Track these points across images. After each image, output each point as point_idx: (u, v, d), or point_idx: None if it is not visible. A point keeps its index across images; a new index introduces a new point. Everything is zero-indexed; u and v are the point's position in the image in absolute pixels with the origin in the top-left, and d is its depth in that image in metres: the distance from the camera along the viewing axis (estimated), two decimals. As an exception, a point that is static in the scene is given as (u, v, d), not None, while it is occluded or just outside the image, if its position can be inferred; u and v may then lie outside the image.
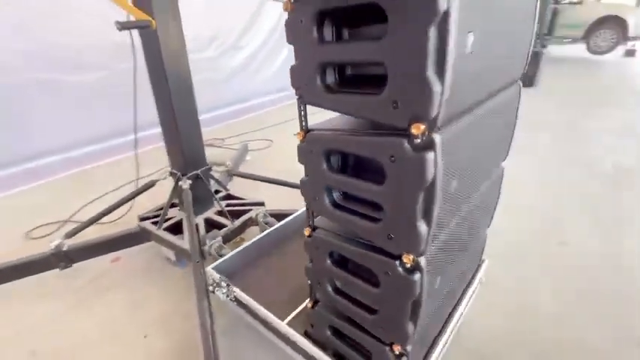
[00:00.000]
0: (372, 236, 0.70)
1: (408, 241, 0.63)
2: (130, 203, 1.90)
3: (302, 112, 0.72)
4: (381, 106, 0.57)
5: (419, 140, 0.55)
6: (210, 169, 1.71)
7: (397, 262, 0.67)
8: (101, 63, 2.63)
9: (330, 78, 0.64)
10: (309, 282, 0.93)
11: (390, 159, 0.59)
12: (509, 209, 2.16)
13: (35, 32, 2.32)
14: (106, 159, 2.80)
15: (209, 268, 1.27)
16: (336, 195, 0.75)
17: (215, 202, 1.74)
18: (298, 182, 0.79)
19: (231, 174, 2.10)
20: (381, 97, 0.56)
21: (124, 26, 1.11)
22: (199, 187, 1.67)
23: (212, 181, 1.81)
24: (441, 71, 0.50)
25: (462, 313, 1.11)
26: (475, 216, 0.94)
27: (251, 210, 1.74)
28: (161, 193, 1.80)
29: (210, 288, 1.28)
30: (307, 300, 1.00)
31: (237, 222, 1.65)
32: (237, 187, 2.18)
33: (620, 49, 7.58)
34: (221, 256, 1.41)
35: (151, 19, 1.17)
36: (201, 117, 3.77)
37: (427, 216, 0.61)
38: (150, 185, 1.76)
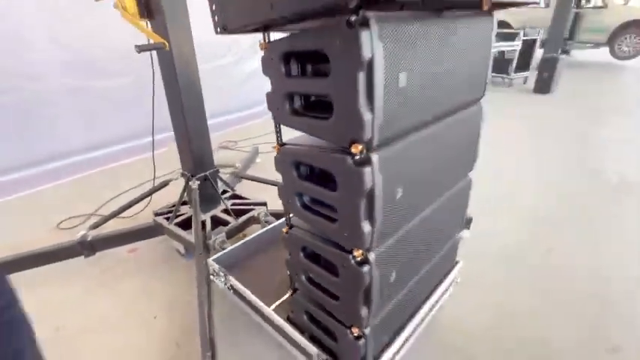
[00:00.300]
0: (332, 234, 0.84)
1: (356, 239, 0.77)
2: (147, 200, 2.11)
3: (277, 129, 0.87)
4: (329, 128, 0.71)
5: (358, 157, 0.69)
6: (217, 171, 1.89)
7: (350, 256, 0.81)
8: (125, 70, 2.87)
9: (296, 104, 0.79)
10: (288, 273, 1.08)
11: (339, 171, 0.73)
12: (504, 212, 2.25)
13: (69, 43, 2.59)
14: (127, 159, 3.05)
15: (210, 260, 1.44)
16: (305, 199, 0.89)
17: (221, 201, 1.91)
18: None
19: (237, 176, 2.27)
20: (330, 121, 0.70)
21: (141, 49, 1.30)
22: (207, 187, 1.85)
23: (220, 182, 1.99)
24: (370, 104, 0.64)
25: (430, 309, 1.23)
26: (438, 221, 1.06)
27: (254, 209, 1.91)
28: (174, 192, 1.99)
29: (212, 277, 1.45)
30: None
31: (240, 220, 1.82)
32: (246, 187, 2.36)
33: (646, 55, 7.34)
34: (223, 249, 1.58)
35: (165, 41, 1.35)
36: (217, 120, 3.98)
37: (370, 218, 0.75)
38: (164, 184, 1.95)
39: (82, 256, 1.79)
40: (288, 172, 0.87)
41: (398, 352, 1.10)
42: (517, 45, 5.41)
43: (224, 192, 2.06)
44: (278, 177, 0.93)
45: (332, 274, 0.89)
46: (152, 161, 2.02)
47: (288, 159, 0.85)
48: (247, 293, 1.26)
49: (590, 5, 7.63)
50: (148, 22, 1.48)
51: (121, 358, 1.35)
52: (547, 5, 7.58)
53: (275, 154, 0.89)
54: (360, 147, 0.68)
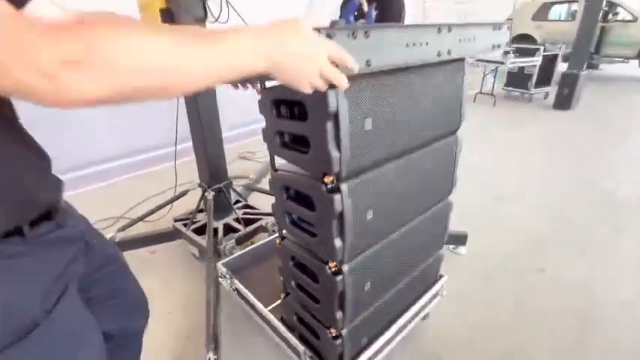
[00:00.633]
0: (313, 247, 0.99)
1: (330, 252, 0.92)
2: (168, 206, 2.33)
3: (272, 157, 1.04)
4: (308, 161, 0.87)
5: (329, 186, 0.84)
6: (230, 183, 2.09)
7: (327, 266, 0.96)
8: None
9: (284, 138, 0.95)
10: (281, 278, 1.24)
11: (315, 196, 0.89)
12: (501, 229, 2.33)
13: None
14: (154, 167, 3.32)
15: (219, 264, 1.63)
16: (293, 216, 1.05)
17: (233, 210, 2.10)
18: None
19: (249, 188, 2.47)
20: (308, 156, 0.86)
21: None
22: (221, 197, 2.05)
23: (234, 193, 2.19)
24: (338, 145, 0.80)
25: (411, 318, 1.35)
26: (415, 239, 1.19)
27: (262, 219, 2.08)
28: (192, 200, 2.20)
29: (220, 279, 1.63)
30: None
31: (249, 228, 2.01)
32: (259, 197, 2.53)
33: (679, 70, 7.08)
34: (232, 254, 1.76)
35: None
36: (237, 131, 4.20)
37: (341, 235, 0.90)
38: (183, 194, 2.17)
39: (110, 255, 2.02)
40: (279, 193, 1.04)
41: (377, 354, 1.23)
42: (536, 60, 5.39)
43: (237, 202, 2.26)
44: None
45: (314, 281, 1.04)
46: (174, 170, 2.24)
47: (279, 182, 1.02)
48: (248, 295, 1.43)
49: (619, 19, 7.45)
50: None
51: (138, 346, 1.54)
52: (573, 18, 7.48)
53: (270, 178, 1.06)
54: (330, 178, 0.83)
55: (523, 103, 5.82)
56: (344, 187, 0.85)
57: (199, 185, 2.05)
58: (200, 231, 2.01)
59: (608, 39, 7.41)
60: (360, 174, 0.89)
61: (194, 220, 2.05)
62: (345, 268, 0.95)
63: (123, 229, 2.09)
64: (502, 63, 5.33)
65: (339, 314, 1.01)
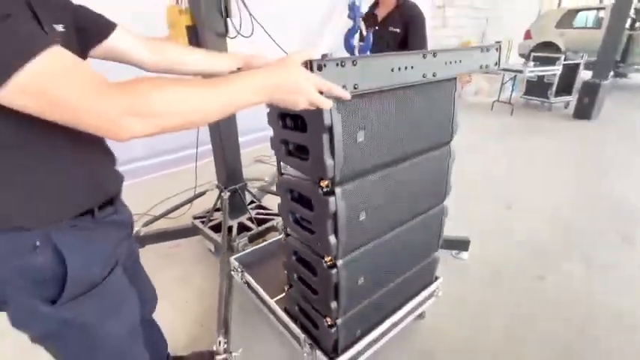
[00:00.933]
0: (311, 243, 1.12)
1: (326, 248, 1.04)
2: (188, 205, 2.51)
3: (279, 163, 1.18)
4: (307, 167, 1.00)
5: (325, 189, 0.97)
6: (245, 185, 2.24)
7: (323, 261, 1.08)
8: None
9: (289, 147, 1.09)
10: (285, 272, 1.37)
11: (313, 198, 1.01)
12: (506, 235, 2.38)
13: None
14: (175, 168, 3.53)
15: (232, 258, 1.77)
16: (296, 215, 1.18)
17: (247, 210, 2.26)
18: (278, 205, 1.24)
19: (263, 190, 2.62)
20: (307, 162, 0.99)
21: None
22: (236, 198, 2.21)
23: (249, 194, 2.35)
24: (332, 153, 0.92)
25: (406, 315, 1.45)
26: (408, 241, 1.30)
27: (274, 219, 2.23)
28: (210, 200, 2.36)
29: (232, 273, 1.78)
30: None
31: (261, 227, 2.15)
32: (273, 198, 2.68)
33: None
34: (244, 251, 1.90)
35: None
36: (255, 135, 4.37)
37: (335, 233, 1.02)
38: (202, 193, 2.34)
39: (135, 248, 2.21)
40: (284, 195, 1.17)
41: (370, 346, 1.33)
42: (556, 69, 5.34)
43: (252, 202, 2.41)
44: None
45: (313, 275, 1.17)
46: (195, 171, 2.42)
47: (284, 185, 1.15)
48: (257, 287, 1.57)
49: (648, 26, 7.24)
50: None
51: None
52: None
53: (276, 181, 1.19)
54: (326, 182, 0.96)
55: (542, 112, 5.76)
56: (338, 190, 0.97)
57: (217, 186, 2.22)
58: (216, 228, 2.17)
59: (635, 48, 7.21)
60: (354, 179, 1.01)
61: (211, 218, 2.22)
62: (340, 262, 1.07)
63: (147, 224, 2.28)
64: (520, 71, 5.31)
65: (333, 304, 1.13)
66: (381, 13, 2.09)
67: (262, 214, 2.30)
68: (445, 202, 1.41)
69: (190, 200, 2.37)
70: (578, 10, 8.30)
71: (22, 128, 0.57)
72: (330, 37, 3.85)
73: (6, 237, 0.63)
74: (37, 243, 0.64)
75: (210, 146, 2.16)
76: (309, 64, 0.72)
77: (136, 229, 2.20)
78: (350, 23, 1.39)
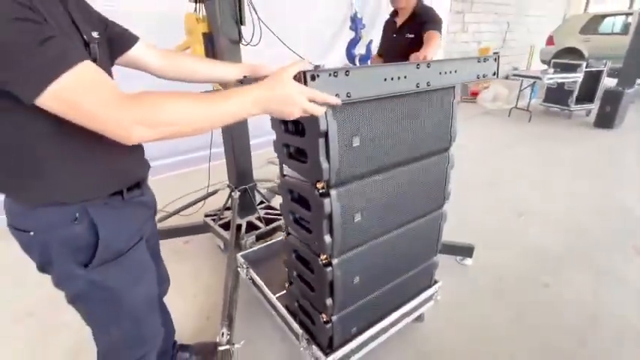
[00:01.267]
0: (309, 241, 1.18)
1: (321, 247, 1.10)
2: (201, 203, 2.61)
3: (281, 165, 1.24)
4: (305, 169, 1.06)
5: (321, 191, 1.03)
6: (255, 185, 2.33)
7: (319, 259, 1.14)
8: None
9: (290, 150, 1.15)
10: (286, 269, 1.43)
11: (310, 199, 1.07)
12: (513, 242, 2.37)
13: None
14: (190, 167, 3.66)
15: (238, 255, 1.85)
16: (295, 215, 1.25)
17: (257, 210, 2.34)
18: (280, 204, 1.31)
19: (272, 191, 2.70)
20: (306, 165, 1.05)
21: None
22: (246, 197, 2.29)
23: (259, 194, 2.43)
24: (327, 158, 0.98)
25: (403, 316, 1.48)
26: (405, 244, 1.34)
27: (281, 219, 2.29)
28: (222, 199, 2.46)
29: (238, 269, 1.85)
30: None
31: (269, 227, 2.22)
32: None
33: None
34: (251, 248, 1.98)
35: (221, 89, 1.82)
36: (268, 137, 4.47)
37: (331, 233, 1.07)
38: (213, 193, 2.44)
39: (150, 242, 2.32)
40: (285, 195, 1.23)
41: (366, 344, 1.38)
42: (577, 76, 5.22)
43: (261, 202, 2.49)
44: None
45: (310, 272, 1.23)
46: (208, 171, 2.52)
47: (285, 186, 1.22)
48: (260, 283, 1.64)
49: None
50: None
51: (167, 320, 1.79)
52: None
53: (278, 181, 1.26)
54: (322, 184, 1.02)
55: (562, 119, 5.64)
56: (333, 192, 1.03)
57: (228, 186, 2.31)
58: (226, 226, 2.26)
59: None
60: (349, 182, 1.07)
61: (221, 217, 2.31)
62: (335, 261, 1.13)
63: (161, 220, 2.39)
64: (539, 78, 5.22)
65: (329, 301, 1.18)
66: (400, 20, 2.13)
67: (271, 214, 2.38)
68: (444, 208, 1.44)
69: (202, 199, 2.48)
70: (604, 16, 8.07)
71: (66, 123, 0.67)
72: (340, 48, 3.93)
73: (53, 210, 0.77)
74: (77, 215, 0.78)
75: (222, 148, 2.26)
76: (302, 76, 0.78)
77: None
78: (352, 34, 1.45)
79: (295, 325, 1.40)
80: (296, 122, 1.09)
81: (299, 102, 0.77)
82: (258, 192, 2.43)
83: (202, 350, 1.53)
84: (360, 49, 1.50)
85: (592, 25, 8.01)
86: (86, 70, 0.64)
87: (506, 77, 5.88)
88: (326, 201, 1.02)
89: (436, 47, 1.73)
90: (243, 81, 1.11)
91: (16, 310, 1.86)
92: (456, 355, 1.58)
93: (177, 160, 3.64)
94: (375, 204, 1.15)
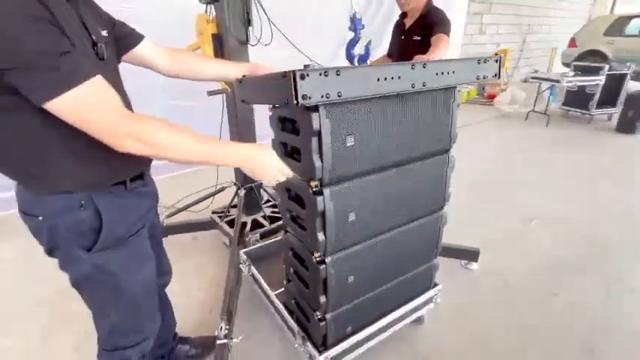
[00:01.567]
0: (304, 239, 1.19)
1: (315, 244, 1.11)
2: (210, 200, 2.66)
3: (279, 163, 1.26)
4: (300, 168, 1.07)
5: (314, 189, 1.04)
6: (261, 184, 2.36)
7: (313, 256, 1.15)
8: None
9: (287, 148, 1.17)
10: (284, 267, 1.45)
11: (304, 197, 1.09)
12: (521, 248, 2.32)
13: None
14: (201, 166, 3.73)
15: (241, 252, 1.88)
16: (292, 213, 1.26)
17: (262, 208, 2.37)
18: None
19: (280, 189, 2.72)
20: (301, 164, 1.07)
21: (211, 93, 1.82)
22: (252, 196, 2.32)
23: (266, 194, 2.46)
24: (321, 156, 0.99)
25: (400, 318, 1.48)
26: (402, 246, 1.33)
27: (286, 218, 2.32)
28: (231, 197, 2.50)
29: (240, 265, 1.88)
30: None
31: (274, 225, 2.25)
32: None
33: None
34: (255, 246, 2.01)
35: (228, 88, 1.85)
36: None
37: (324, 230, 1.08)
38: (220, 190, 2.49)
39: (158, 237, 2.38)
40: (283, 193, 1.25)
41: (362, 344, 1.38)
42: (598, 80, 5.05)
43: (268, 201, 2.52)
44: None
45: (306, 269, 1.24)
46: (216, 170, 2.57)
47: (282, 185, 1.23)
48: (260, 280, 1.66)
49: None
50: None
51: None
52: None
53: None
54: (315, 183, 1.03)
55: (582, 124, 5.47)
56: (326, 191, 1.04)
57: (234, 184, 2.35)
58: (232, 223, 2.29)
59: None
60: (343, 181, 1.07)
61: (228, 214, 2.35)
62: (328, 259, 1.14)
63: (170, 215, 2.46)
64: (557, 81, 5.08)
65: (322, 299, 1.19)
66: (408, 22, 2.12)
67: (276, 212, 2.40)
68: (444, 210, 1.42)
69: (209, 196, 2.53)
70: (631, 17, 7.77)
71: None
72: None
73: (61, 197, 0.83)
74: (82, 202, 0.84)
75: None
76: (291, 75, 0.80)
77: (160, 219, 2.37)
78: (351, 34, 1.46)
79: (292, 322, 1.42)
80: (293, 121, 1.11)
81: (270, 174, 0.96)
82: (265, 191, 2.46)
83: (202, 343, 1.56)
84: (359, 50, 1.50)
85: (617, 26, 7.73)
86: (94, 86, 0.72)
87: (525, 80, 5.74)
88: (319, 199, 1.03)
89: (443, 50, 1.72)
90: (242, 80, 1.14)
91: (29, 300, 1.94)
92: (454, 358, 1.56)
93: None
94: (370, 204, 1.16)
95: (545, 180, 3.45)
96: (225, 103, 2.18)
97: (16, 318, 1.84)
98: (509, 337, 1.66)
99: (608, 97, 5.36)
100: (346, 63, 1.67)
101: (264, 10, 1.86)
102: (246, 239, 2.12)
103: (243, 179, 2.27)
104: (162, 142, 0.78)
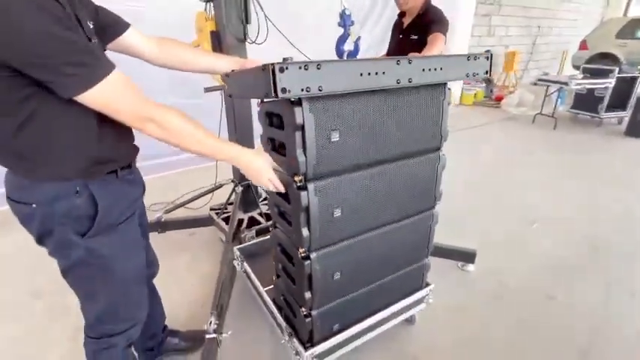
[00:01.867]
0: (289, 234, 1.19)
1: (299, 240, 1.11)
2: (209, 196, 2.67)
3: (268, 158, 1.26)
4: (285, 162, 1.08)
5: (298, 184, 1.04)
6: (258, 181, 2.36)
7: (298, 252, 1.15)
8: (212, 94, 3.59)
9: (275, 144, 1.17)
10: (273, 262, 1.45)
11: (289, 191, 1.09)
12: (520, 250, 2.29)
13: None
14: (202, 164, 3.76)
15: (235, 248, 1.89)
16: (280, 208, 1.26)
17: (259, 206, 2.37)
18: (267, 198, 1.33)
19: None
20: (286, 158, 1.07)
21: (207, 90, 1.83)
22: (249, 193, 2.33)
23: (264, 191, 2.47)
24: (304, 151, 0.99)
25: (389, 317, 1.47)
26: (391, 244, 1.32)
27: (283, 216, 2.32)
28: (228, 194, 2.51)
29: (234, 262, 1.89)
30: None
31: (270, 222, 2.25)
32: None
33: None
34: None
35: (225, 84, 1.86)
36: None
37: (308, 226, 1.08)
38: (218, 187, 2.50)
39: (157, 232, 2.40)
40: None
41: (349, 342, 1.37)
42: (608, 82, 4.96)
43: (265, 199, 2.53)
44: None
45: (292, 265, 1.24)
46: (216, 167, 2.59)
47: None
48: (252, 276, 1.67)
49: None
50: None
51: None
52: None
53: (266, 174, 1.28)
54: (299, 177, 1.03)
55: (591, 127, 5.37)
56: (310, 186, 1.04)
57: (232, 181, 2.36)
58: (229, 220, 2.30)
59: None
60: (328, 177, 1.07)
61: (225, 211, 2.36)
62: (313, 255, 1.13)
63: (168, 211, 2.48)
64: (565, 84, 5.00)
65: (307, 294, 1.19)
66: (406, 21, 2.12)
67: (273, 210, 2.41)
68: (435, 209, 1.41)
69: (206, 193, 2.54)
70: (645, 20, 7.63)
71: (76, 116, 0.82)
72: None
73: (57, 184, 0.86)
74: (78, 189, 0.87)
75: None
76: (270, 68, 0.80)
77: (158, 214, 2.40)
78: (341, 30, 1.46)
79: (279, 318, 1.42)
80: (279, 116, 1.11)
81: (263, 178, 1.08)
82: (262, 188, 2.46)
83: (192, 337, 1.57)
84: (349, 46, 1.50)
85: (630, 29, 7.59)
86: (118, 78, 0.80)
87: (535, 84, 5.66)
88: (303, 194, 1.03)
89: (439, 49, 1.71)
90: (229, 74, 1.14)
91: (26, 292, 1.98)
92: (443, 359, 1.55)
93: (189, 156, 3.74)
94: (356, 201, 1.15)
95: (550, 183, 3.39)
96: (223, 100, 2.20)
97: (13, 309, 1.87)
98: (504, 338, 1.64)
99: (619, 101, 5.26)
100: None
101: (261, 7, 1.86)
102: (242, 236, 2.12)
103: (240, 176, 2.28)
104: (178, 129, 0.89)
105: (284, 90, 0.83)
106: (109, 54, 1.03)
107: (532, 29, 8.71)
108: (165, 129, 0.87)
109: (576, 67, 7.92)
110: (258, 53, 2.01)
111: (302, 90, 0.85)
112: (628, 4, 11.19)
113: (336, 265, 1.21)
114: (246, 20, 1.91)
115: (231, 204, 2.39)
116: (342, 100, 1.01)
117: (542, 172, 3.64)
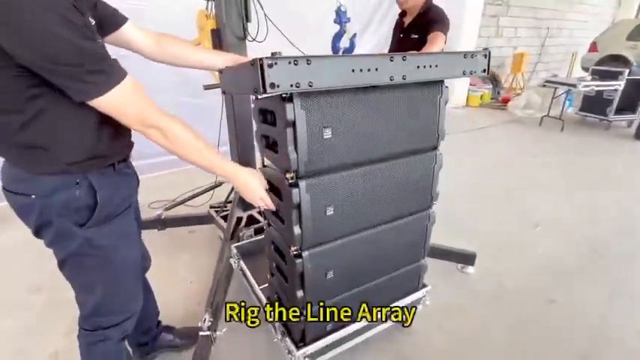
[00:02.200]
0: (282, 232, 1.18)
1: (291, 238, 1.10)
2: (210, 194, 2.68)
3: (262, 155, 1.26)
4: (277, 159, 1.07)
5: (290, 181, 1.03)
6: (258, 179, 2.36)
7: (290, 250, 1.14)
8: (214, 92, 3.60)
9: (268, 141, 1.16)
10: (267, 261, 1.44)
11: (281, 188, 1.08)
12: (521, 253, 2.25)
13: (179, 70, 3.41)
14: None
15: (232, 246, 1.88)
16: (274, 206, 1.25)
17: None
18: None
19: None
20: (278, 155, 1.06)
21: (207, 87, 1.83)
22: (249, 191, 2.33)
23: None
24: (296, 148, 0.98)
25: (384, 319, 1.45)
26: (386, 244, 1.31)
27: (282, 215, 2.32)
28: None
29: (231, 260, 1.89)
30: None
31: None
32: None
33: None
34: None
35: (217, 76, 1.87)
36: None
37: (300, 224, 1.07)
38: (217, 185, 2.51)
39: (157, 229, 2.41)
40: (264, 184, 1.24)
41: (342, 342, 1.36)
42: (617, 85, 4.88)
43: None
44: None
45: (284, 263, 1.23)
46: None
47: (264, 176, 1.23)
48: (248, 274, 1.66)
49: None
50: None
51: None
52: None
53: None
54: (291, 174, 1.02)
55: (599, 130, 5.28)
56: (302, 183, 1.03)
57: (232, 179, 2.36)
58: (227, 218, 2.31)
59: None
60: (321, 174, 1.06)
61: (224, 209, 2.37)
62: (305, 253, 1.12)
63: (169, 208, 2.49)
64: (573, 86, 4.93)
65: (299, 293, 1.18)
66: (407, 20, 2.10)
67: (272, 209, 2.40)
68: (432, 210, 1.39)
69: (205, 191, 2.56)
70: (657, 21, 7.49)
71: (80, 115, 0.84)
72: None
73: (59, 177, 0.88)
74: (78, 181, 0.89)
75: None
76: (258, 62, 0.79)
77: (159, 212, 2.41)
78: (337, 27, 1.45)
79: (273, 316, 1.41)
80: (272, 113, 1.10)
81: (255, 197, 1.11)
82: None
83: (186, 334, 1.57)
84: (344, 43, 1.49)
85: (641, 30, 7.46)
86: (129, 85, 0.83)
87: (543, 85, 5.59)
88: (294, 191, 1.02)
89: (438, 48, 1.69)
90: (222, 71, 1.14)
91: (26, 286, 2.00)
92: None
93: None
94: (350, 199, 1.14)
95: (555, 186, 3.34)
96: (223, 99, 2.20)
97: (12, 303, 1.89)
98: (502, 340, 1.62)
99: (628, 103, 5.17)
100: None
101: (261, 6, 1.86)
102: (240, 234, 2.12)
103: (240, 174, 2.28)
104: (180, 137, 0.92)
105: (273, 85, 0.82)
106: (112, 51, 1.04)
107: (541, 30, 8.61)
108: (167, 136, 0.90)
109: (586, 69, 7.80)
110: (260, 52, 2.02)
111: (291, 85, 0.85)
112: (640, 6, 11.00)
113: (329, 264, 1.20)
114: (247, 18, 1.90)
115: (230, 202, 2.39)
116: (334, 97, 1.00)
117: (549, 175, 3.59)
